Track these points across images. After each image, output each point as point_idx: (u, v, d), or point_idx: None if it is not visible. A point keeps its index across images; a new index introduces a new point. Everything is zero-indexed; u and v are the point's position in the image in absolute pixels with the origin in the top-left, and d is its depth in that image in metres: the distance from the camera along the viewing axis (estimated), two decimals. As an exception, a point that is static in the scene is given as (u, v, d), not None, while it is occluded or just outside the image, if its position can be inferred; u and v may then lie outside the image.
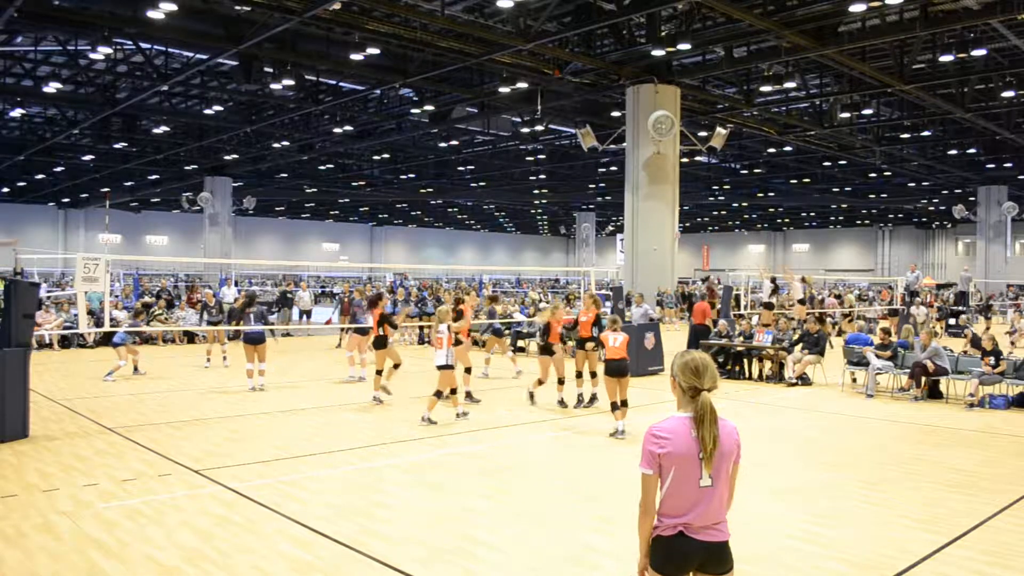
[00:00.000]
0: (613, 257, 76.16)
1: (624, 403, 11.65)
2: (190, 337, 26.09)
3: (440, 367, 12.32)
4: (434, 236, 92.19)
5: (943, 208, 61.39)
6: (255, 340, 15.75)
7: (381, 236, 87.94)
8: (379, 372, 14.29)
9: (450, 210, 75.81)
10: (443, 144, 42.23)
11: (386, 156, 46.40)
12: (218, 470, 9.30)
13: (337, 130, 36.29)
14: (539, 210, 76.45)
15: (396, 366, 14.40)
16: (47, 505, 7.85)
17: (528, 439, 11.38)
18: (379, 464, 9.71)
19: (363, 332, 17.03)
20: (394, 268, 60.43)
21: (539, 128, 30.89)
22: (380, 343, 14.17)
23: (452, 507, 7.92)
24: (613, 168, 45.71)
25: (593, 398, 13.82)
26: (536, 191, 58.41)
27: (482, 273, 64.59)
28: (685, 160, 37.55)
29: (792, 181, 51.91)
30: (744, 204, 66.37)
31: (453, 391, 12.60)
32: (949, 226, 73.02)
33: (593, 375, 13.65)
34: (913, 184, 52.28)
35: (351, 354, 17.31)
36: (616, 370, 11.72)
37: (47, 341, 23.59)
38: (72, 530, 7.11)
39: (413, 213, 78.07)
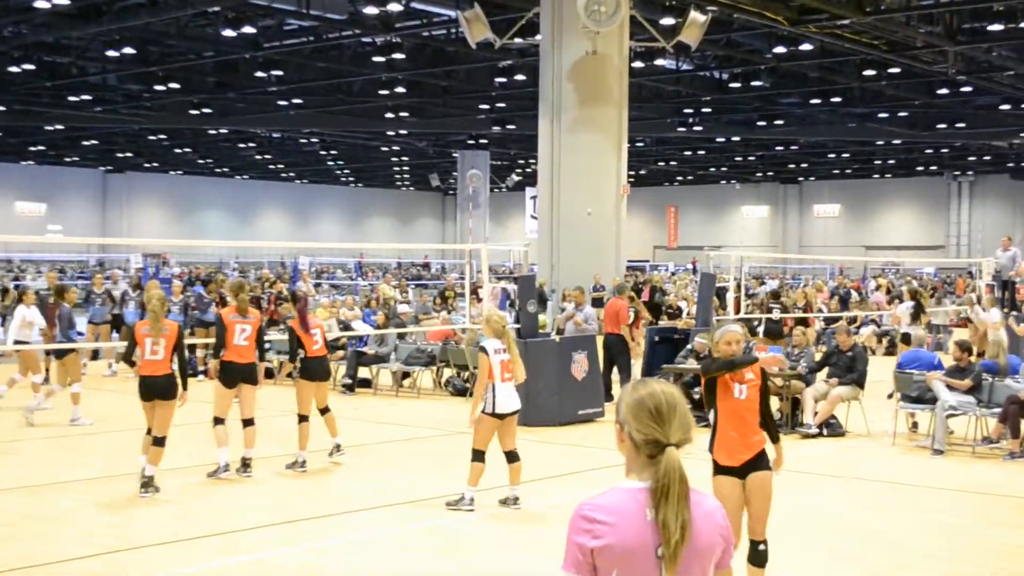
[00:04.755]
0: (520, 226, 50.89)
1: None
2: None
3: None
4: (214, 190, 63.71)
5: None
6: None
7: (120, 189, 59.81)
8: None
9: (242, 146, 51.43)
10: (229, 32, 26.10)
11: (129, 52, 28.50)
12: None
13: (42, 4, 23.07)
14: (396, 147, 52.87)
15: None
16: None
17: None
18: None
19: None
20: (144, 245, 47.45)
21: (394, 8, 22.41)
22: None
23: None
24: (520, 78, 30.92)
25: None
26: (390, 115, 40.11)
27: (296, 253, 44.23)
28: (639, 65, 27.57)
29: (814, 101, 36.72)
30: (736, 140, 47.00)
31: None
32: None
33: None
34: (1008, 107, 36.33)
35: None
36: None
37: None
38: None
39: (177, 151, 52.97)
